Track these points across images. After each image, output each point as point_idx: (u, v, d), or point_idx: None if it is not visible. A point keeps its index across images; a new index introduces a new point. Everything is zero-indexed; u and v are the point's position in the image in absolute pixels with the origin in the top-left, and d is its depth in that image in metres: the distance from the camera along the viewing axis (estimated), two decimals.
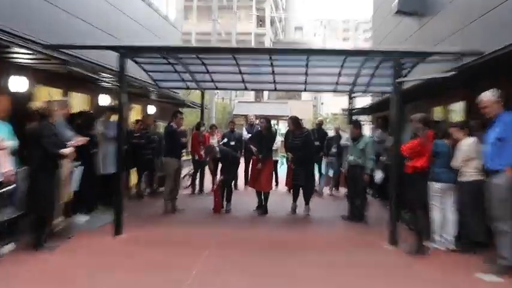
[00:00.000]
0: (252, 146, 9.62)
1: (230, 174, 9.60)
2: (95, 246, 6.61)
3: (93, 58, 9.29)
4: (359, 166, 8.58)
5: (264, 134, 9.41)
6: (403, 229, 7.42)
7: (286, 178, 9.86)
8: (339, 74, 9.98)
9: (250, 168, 9.75)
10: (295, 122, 9.38)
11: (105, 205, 9.02)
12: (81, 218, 7.92)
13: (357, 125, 8.97)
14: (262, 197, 9.38)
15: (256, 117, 13.65)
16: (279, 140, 12.66)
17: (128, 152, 9.91)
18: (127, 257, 6.16)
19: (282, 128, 38.81)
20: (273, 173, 11.84)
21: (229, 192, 9.57)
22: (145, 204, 10.14)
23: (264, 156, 9.25)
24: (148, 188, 11.41)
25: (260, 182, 9.24)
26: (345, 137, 10.54)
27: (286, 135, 9.86)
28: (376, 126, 12.19)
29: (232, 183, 10.36)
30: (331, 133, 13.19)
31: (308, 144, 9.24)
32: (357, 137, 8.79)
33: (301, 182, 9.18)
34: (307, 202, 9.32)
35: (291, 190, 9.66)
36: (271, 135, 9.71)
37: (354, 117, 14.13)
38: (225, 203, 9.48)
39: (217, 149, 9.72)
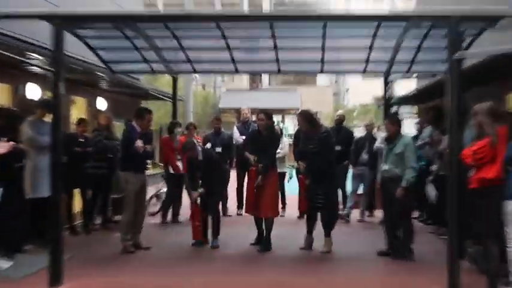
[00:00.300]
0: (247, 154, 9.53)
1: (215, 191, 9.56)
2: None
3: (20, 34, 9.23)
4: (397, 179, 8.56)
5: (263, 136, 9.35)
6: (467, 270, 7.35)
7: (299, 198, 9.75)
8: (370, 48, 9.97)
9: (246, 186, 9.69)
10: (307, 118, 9.26)
11: (37, 243, 8.96)
12: (1, 263, 7.84)
13: (393, 120, 8.94)
14: (264, 227, 9.34)
15: (253, 111, 13.63)
16: (286, 143, 12.63)
17: (70, 166, 9.84)
18: None
19: (290, 126, 38.89)
20: (279, 191, 11.78)
21: (216, 220, 9.50)
22: (96, 240, 10.08)
23: (265, 167, 9.17)
24: (100, 216, 11.35)
25: (260, 204, 9.15)
26: (381, 138, 10.53)
27: (296, 137, 9.87)
28: (424, 122, 12.19)
29: (220, 207, 10.31)
30: (358, 132, 13.18)
31: (327, 150, 9.13)
32: (393, 137, 8.77)
33: (318, 204, 9.12)
34: (327, 233, 9.25)
35: (305, 215, 9.60)
36: (275, 136, 9.58)
37: (392, 109, 14.12)
38: (209, 236, 9.44)
39: (199, 148, 9.68)
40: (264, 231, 9.32)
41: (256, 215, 9.31)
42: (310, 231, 9.33)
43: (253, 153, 9.39)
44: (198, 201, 9.59)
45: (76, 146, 10.34)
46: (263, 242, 9.28)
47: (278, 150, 12.34)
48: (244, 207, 9.77)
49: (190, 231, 9.59)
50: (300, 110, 9.63)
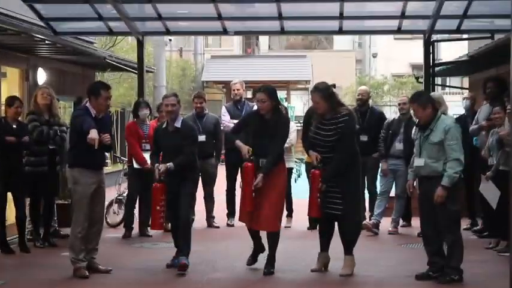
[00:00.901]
0: (238, 143, 9.20)
1: (188, 186, 9.43)
2: None
3: None
4: (437, 177, 8.54)
5: (267, 121, 9.09)
6: None
7: (309, 201, 9.29)
8: None
9: (241, 186, 9.27)
10: (326, 94, 8.99)
11: None
12: None
13: (423, 101, 8.78)
14: (268, 242, 9.21)
15: (247, 86, 13.62)
16: (292, 129, 12.65)
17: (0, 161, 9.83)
18: None
19: (298, 105, 38.81)
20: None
21: (185, 229, 9.31)
22: (37, 261, 10.06)
23: (268, 164, 8.92)
24: (42, 229, 11.35)
25: (261, 213, 8.95)
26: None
27: (306, 120, 9.47)
28: (475, 98, 12.20)
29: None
30: (391, 114, 13.16)
31: (349, 138, 9.04)
32: (428, 121, 8.75)
33: (336, 211, 9.05)
34: (348, 250, 9.21)
35: (317, 226, 9.60)
36: (283, 122, 9.27)
37: (436, 81, 14.12)
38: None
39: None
40: (268, 248, 9.17)
41: (254, 226, 9.16)
42: (324, 248, 9.23)
43: (249, 142, 9.08)
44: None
45: (7, 134, 10.30)
46: (268, 262, 9.09)
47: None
48: (237, 214, 9.64)
49: (164, 249, 9.54)
50: (314, 84, 9.21)
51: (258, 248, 9.33)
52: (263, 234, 9.24)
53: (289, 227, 12.40)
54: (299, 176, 13.16)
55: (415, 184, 9.04)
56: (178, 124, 9.25)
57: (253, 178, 8.86)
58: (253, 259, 9.33)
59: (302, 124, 9.72)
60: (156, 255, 9.93)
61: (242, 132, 9.42)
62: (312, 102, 9.20)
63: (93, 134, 8.61)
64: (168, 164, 8.98)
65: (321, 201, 8.98)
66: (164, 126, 9.40)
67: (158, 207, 9.00)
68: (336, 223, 9.17)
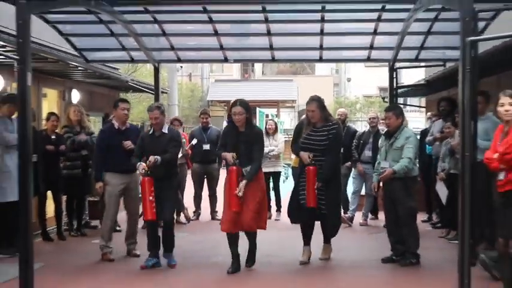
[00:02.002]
0: (225, 154, 8.38)
1: (171, 188, 8.83)
2: None
3: None
4: (400, 178, 8.60)
5: (243, 134, 8.43)
6: (481, 277, 7.39)
7: (307, 194, 8.66)
8: (375, 32, 9.97)
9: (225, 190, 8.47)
10: (322, 104, 8.82)
11: (6, 251, 8.99)
12: None
13: (398, 112, 8.91)
14: (248, 240, 8.61)
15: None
16: (281, 140, 12.64)
17: (42, 166, 9.80)
18: None
19: (286, 120, 38.84)
20: (268, 194, 11.80)
21: (169, 230, 8.86)
22: (70, 247, 10.09)
23: (250, 175, 8.25)
24: (75, 221, 11.32)
25: (244, 214, 8.22)
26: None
27: (298, 130, 9.10)
28: (435, 115, 12.22)
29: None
30: (361, 127, 13.20)
31: (338, 146, 9.00)
32: (395, 130, 8.80)
33: (321, 211, 8.71)
34: (327, 239, 9.14)
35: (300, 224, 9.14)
36: (257, 132, 8.60)
37: (399, 101, 14.13)
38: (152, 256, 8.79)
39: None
40: (249, 250, 8.62)
41: (235, 229, 8.30)
42: (307, 242, 9.00)
43: (228, 156, 8.26)
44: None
45: (47, 144, 10.31)
46: (249, 259, 8.63)
47: (273, 148, 12.44)
48: (221, 222, 8.58)
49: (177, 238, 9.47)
50: (310, 97, 8.79)
51: (235, 254, 8.47)
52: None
53: (279, 219, 12.39)
54: (287, 178, 13.13)
55: (381, 184, 9.04)
56: (165, 130, 8.70)
57: (237, 181, 8.09)
58: (234, 268, 8.40)
59: (293, 133, 9.30)
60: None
61: (222, 146, 8.56)
62: (307, 112, 8.74)
63: (128, 143, 9.05)
64: (156, 157, 8.29)
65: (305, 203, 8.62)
66: (151, 133, 8.72)
67: (151, 198, 8.24)
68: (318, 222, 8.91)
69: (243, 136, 8.36)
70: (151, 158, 8.27)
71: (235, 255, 8.42)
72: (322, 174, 8.51)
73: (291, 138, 9.34)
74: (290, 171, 12.41)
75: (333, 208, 8.75)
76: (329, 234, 8.99)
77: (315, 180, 8.47)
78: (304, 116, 9.24)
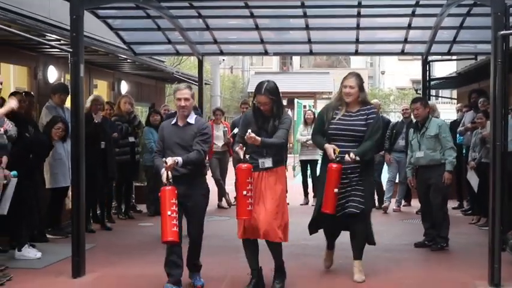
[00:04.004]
0: (237, 150, 6.38)
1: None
2: None
3: (34, 12, 9.32)
4: (436, 165, 8.53)
5: (261, 116, 6.51)
6: (509, 262, 7.30)
7: (325, 197, 6.74)
8: (409, 27, 9.88)
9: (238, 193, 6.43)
10: (361, 82, 6.93)
11: (56, 232, 9.15)
12: (30, 254, 7.94)
13: (425, 103, 8.85)
14: (272, 253, 6.53)
15: (283, 96, 13.62)
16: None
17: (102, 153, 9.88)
18: None
19: None
20: (306, 181, 11.67)
21: (197, 247, 6.72)
22: (119, 230, 10.18)
23: (269, 139, 6.34)
24: (124, 205, 11.43)
25: (259, 219, 6.34)
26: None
27: (321, 118, 7.11)
28: (465, 106, 12.10)
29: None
30: (394, 119, 13.11)
31: (379, 130, 6.92)
32: (424, 120, 8.71)
33: (352, 211, 6.81)
34: (359, 254, 7.11)
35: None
36: (284, 119, 6.52)
37: (431, 93, 14.00)
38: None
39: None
40: (275, 262, 6.56)
41: (251, 235, 6.47)
42: (333, 246, 7.45)
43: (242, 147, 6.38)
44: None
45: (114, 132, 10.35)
46: (278, 275, 6.56)
47: (308, 137, 12.39)
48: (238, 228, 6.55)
49: (215, 221, 9.46)
50: (348, 73, 6.99)
51: (254, 268, 6.56)
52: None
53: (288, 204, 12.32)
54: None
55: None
56: (191, 120, 6.47)
57: (247, 180, 6.25)
58: (254, 284, 6.53)
59: (315, 122, 7.64)
60: (210, 227, 9.92)
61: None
62: (343, 88, 6.80)
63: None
64: (176, 158, 6.17)
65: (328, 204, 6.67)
66: (173, 122, 6.54)
67: (170, 213, 6.03)
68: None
69: (259, 118, 6.48)
70: (169, 160, 6.14)
71: (254, 270, 6.57)
72: (357, 150, 6.65)
73: (315, 125, 7.39)
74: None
75: (364, 212, 6.86)
76: (358, 245, 7.06)
77: (337, 183, 6.57)
78: (329, 102, 7.56)
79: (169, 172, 6.08)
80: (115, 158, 10.24)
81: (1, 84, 6.87)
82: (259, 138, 6.09)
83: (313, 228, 7.23)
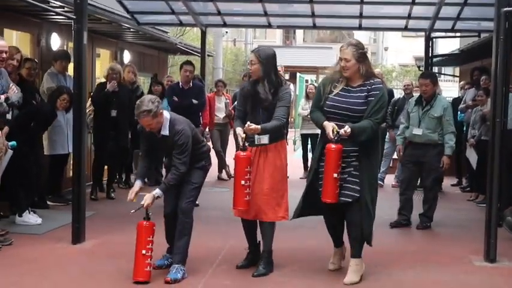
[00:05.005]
0: (238, 131, 6.00)
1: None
2: (43, 260, 6.67)
3: None
4: (433, 145, 8.45)
5: (256, 92, 6.07)
6: (506, 238, 7.38)
7: (324, 184, 5.90)
8: (413, 2, 9.86)
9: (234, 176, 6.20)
10: (358, 52, 5.83)
11: (56, 199, 9.21)
12: (31, 219, 8.00)
13: (434, 79, 8.65)
14: (261, 234, 6.30)
15: (286, 69, 13.60)
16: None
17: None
18: (91, 276, 6.22)
19: None
20: (306, 154, 11.63)
21: (185, 224, 6.20)
22: (118, 198, 10.19)
23: (269, 124, 5.95)
24: (124, 174, 11.48)
25: (255, 200, 6.06)
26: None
27: (320, 91, 6.09)
28: (467, 84, 12.10)
29: None
30: (396, 95, 13.09)
31: (382, 109, 5.93)
32: (430, 98, 8.54)
33: (350, 197, 5.97)
34: (358, 251, 6.24)
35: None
36: (281, 89, 6.09)
37: (433, 70, 13.98)
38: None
39: None
40: (261, 244, 6.32)
41: (248, 215, 6.18)
42: (339, 241, 6.53)
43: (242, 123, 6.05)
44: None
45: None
46: (263, 259, 6.22)
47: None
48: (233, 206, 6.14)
49: (216, 193, 9.48)
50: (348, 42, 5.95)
51: (253, 243, 6.44)
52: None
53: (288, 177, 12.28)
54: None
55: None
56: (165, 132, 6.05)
57: (245, 169, 5.90)
58: (247, 260, 6.40)
59: (315, 95, 6.40)
60: (210, 198, 9.96)
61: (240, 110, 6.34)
62: (339, 61, 5.88)
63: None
64: (257, 126, 5.79)
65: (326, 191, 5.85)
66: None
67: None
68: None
69: (253, 95, 6.10)
70: (252, 126, 5.79)
71: (250, 245, 6.43)
72: (352, 126, 5.70)
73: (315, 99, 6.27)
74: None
75: (366, 198, 6.06)
76: (357, 239, 6.21)
77: (337, 166, 5.72)
78: (327, 74, 6.45)
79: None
80: (127, 126, 10.20)
81: (6, 53, 6.85)
82: (258, 127, 5.77)
83: (296, 211, 6.28)
